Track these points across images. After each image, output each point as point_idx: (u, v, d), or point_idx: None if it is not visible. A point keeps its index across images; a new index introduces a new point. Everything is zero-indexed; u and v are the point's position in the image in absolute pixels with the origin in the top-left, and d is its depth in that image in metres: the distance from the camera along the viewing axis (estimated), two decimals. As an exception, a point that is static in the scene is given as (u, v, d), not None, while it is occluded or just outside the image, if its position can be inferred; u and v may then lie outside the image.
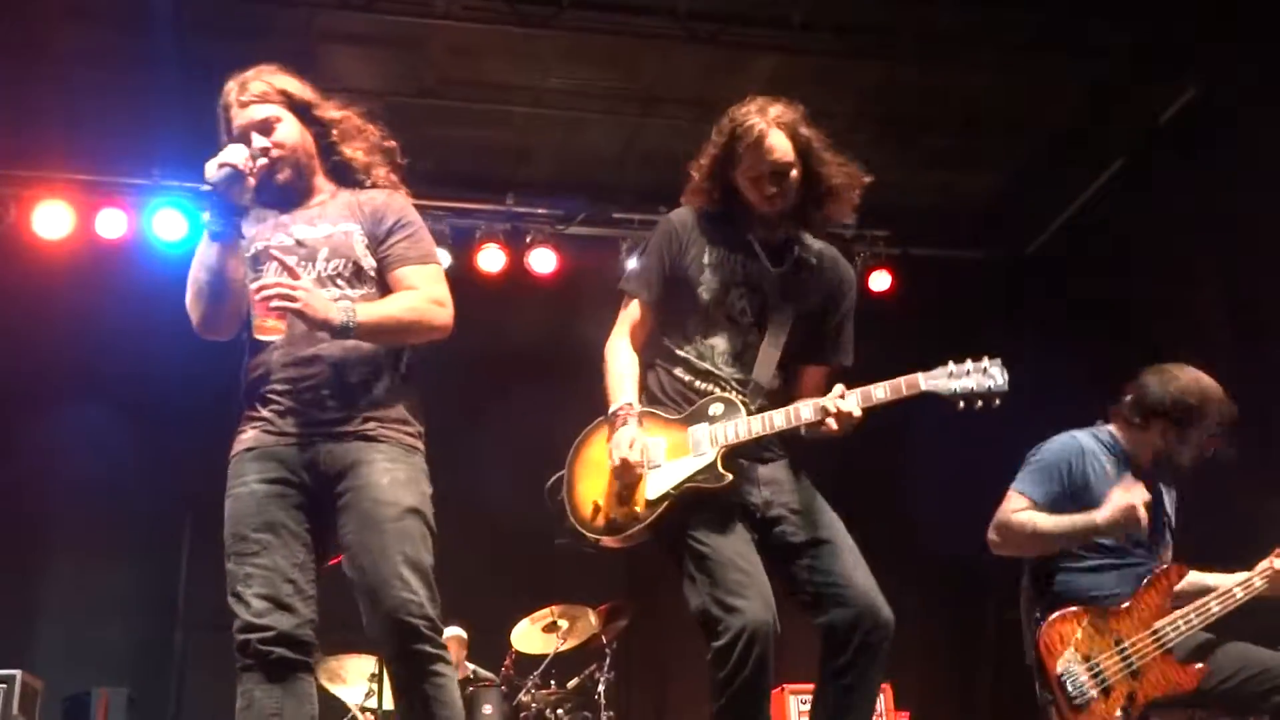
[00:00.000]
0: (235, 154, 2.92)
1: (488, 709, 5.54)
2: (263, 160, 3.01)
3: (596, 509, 3.18)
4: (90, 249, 6.89)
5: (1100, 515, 3.58)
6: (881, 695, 6.18)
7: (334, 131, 3.15)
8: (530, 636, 5.95)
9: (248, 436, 3.03)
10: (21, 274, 6.79)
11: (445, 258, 6.64)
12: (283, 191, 3.10)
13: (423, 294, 3.04)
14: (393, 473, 2.92)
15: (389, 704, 4.99)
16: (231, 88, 3.10)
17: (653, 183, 7.50)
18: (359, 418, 2.96)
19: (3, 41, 6.01)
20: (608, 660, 5.81)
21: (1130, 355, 4.19)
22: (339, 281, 3.02)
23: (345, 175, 3.17)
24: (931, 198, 7.67)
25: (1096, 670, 3.54)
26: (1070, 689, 3.51)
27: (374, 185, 3.16)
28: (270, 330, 2.88)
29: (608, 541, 3.15)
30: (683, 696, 7.32)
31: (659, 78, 6.64)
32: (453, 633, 6.25)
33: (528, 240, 7.33)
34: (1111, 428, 3.87)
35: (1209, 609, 3.63)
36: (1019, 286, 7.96)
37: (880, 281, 7.67)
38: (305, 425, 2.96)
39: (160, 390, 6.86)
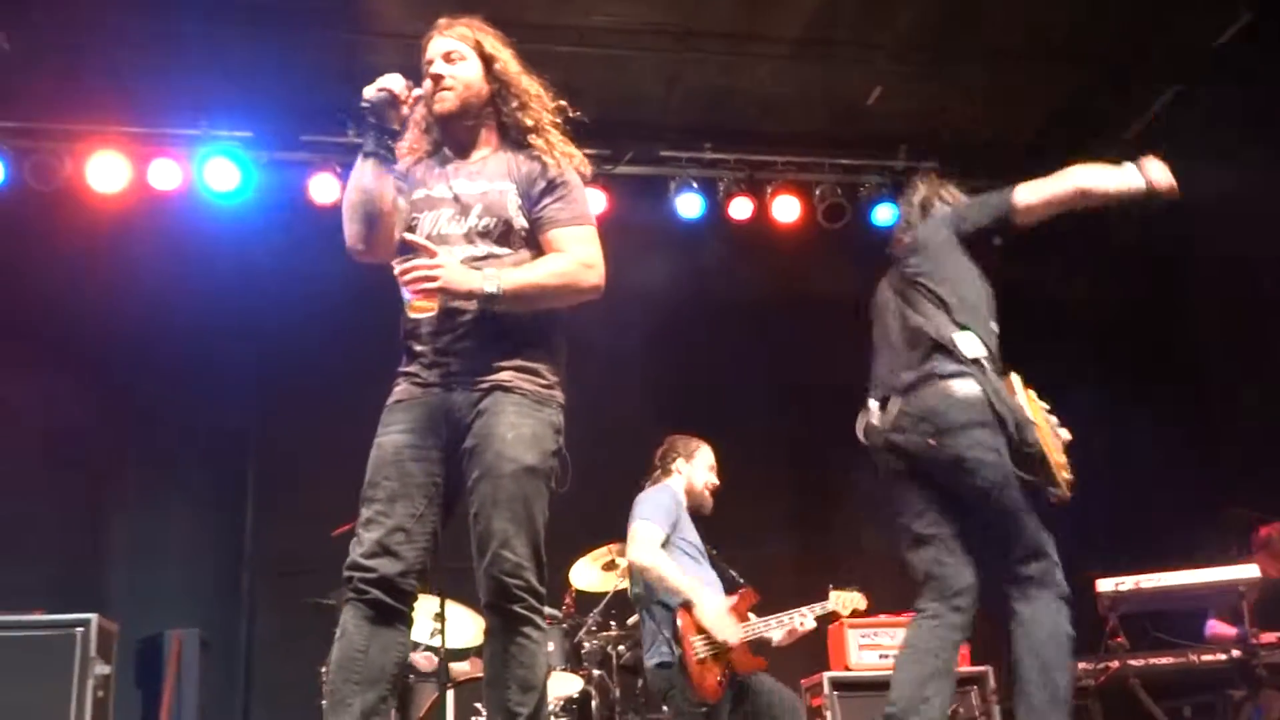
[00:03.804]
0: (394, 80, 3.04)
1: (550, 647, 5.61)
2: (428, 85, 3.10)
3: (1060, 466, 3.54)
4: (145, 200, 6.96)
5: None
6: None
7: (510, 91, 3.20)
8: (589, 574, 6.00)
9: (398, 389, 3.12)
10: (81, 227, 6.88)
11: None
12: (448, 132, 3.19)
13: (571, 256, 3.09)
14: (519, 428, 2.98)
15: (451, 643, 5.10)
16: (441, 21, 3.22)
17: (698, 120, 7.45)
18: (496, 368, 3.02)
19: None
20: (667, 597, 5.86)
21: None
22: (488, 240, 3.08)
23: (512, 135, 3.22)
24: (979, 131, 7.55)
25: (708, 640, 4.98)
26: (696, 648, 4.94)
27: (539, 148, 3.19)
28: (420, 309, 3.00)
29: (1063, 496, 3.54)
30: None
31: (701, 13, 6.55)
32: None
33: (575, 181, 7.31)
34: None
35: (762, 629, 5.22)
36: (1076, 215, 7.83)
37: (933, 213, 7.57)
38: (446, 375, 3.05)
39: (222, 338, 6.96)
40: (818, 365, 7.72)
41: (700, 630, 5.00)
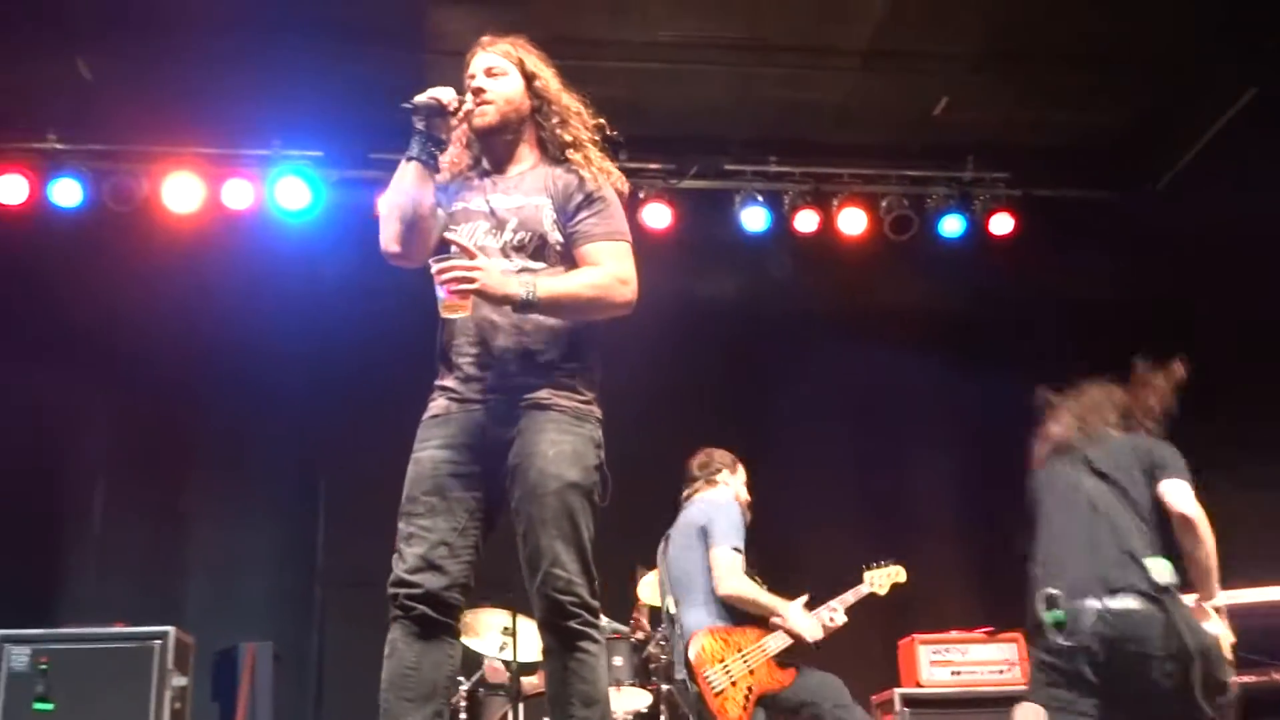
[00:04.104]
0: (444, 92, 3.10)
1: (618, 661, 5.60)
2: (471, 100, 3.15)
3: None
4: (218, 219, 7.08)
5: None
6: (1015, 645, 6.11)
7: (550, 108, 3.24)
8: (657, 589, 5.99)
9: (435, 404, 3.14)
10: (157, 246, 7.02)
11: None
12: (487, 146, 3.23)
13: (607, 270, 3.08)
14: (560, 445, 2.99)
15: (523, 656, 5.11)
16: (484, 39, 3.28)
17: (765, 133, 7.44)
18: (534, 385, 3.04)
19: (128, 18, 6.18)
20: (734, 610, 5.83)
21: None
22: (523, 254, 3.10)
23: (551, 151, 3.25)
24: (1052, 136, 7.45)
25: (727, 668, 4.88)
26: (712, 681, 4.83)
27: (577, 163, 3.21)
28: (454, 309, 2.99)
29: None
30: (809, 648, 7.32)
31: (768, 25, 6.55)
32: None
33: (641, 196, 7.32)
34: None
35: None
36: (1148, 225, 7.70)
37: (1002, 224, 7.50)
38: (484, 392, 3.06)
39: (294, 353, 7.06)
40: (885, 378, 7.67)
41: (717, 659, 4.90)
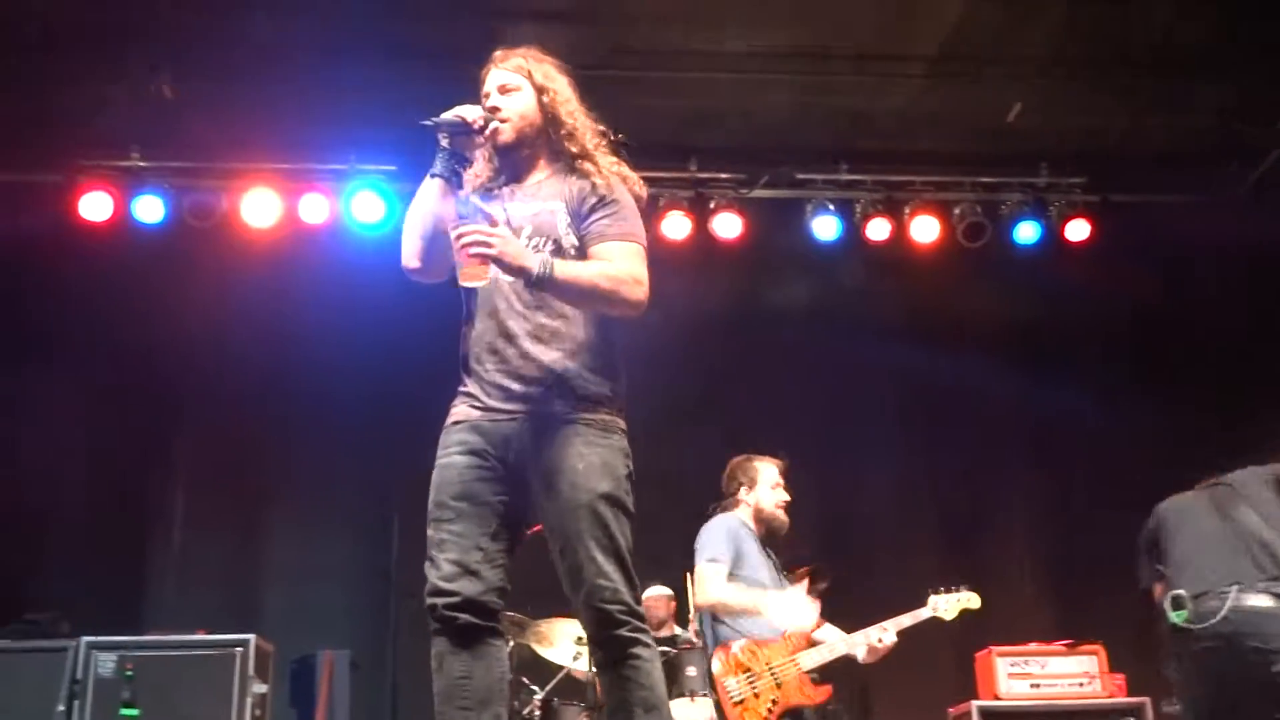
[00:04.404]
0: (470, 110, 3.15)
1: (691, 671, 5.58)
2: (490, 119, 3.17)
3: None
4: (295, 234, 7.20)
5: None
6: (1095, 657, 6.01)
7: (558, 120, 3.24)
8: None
9: (457, 410, 3.15)
10: (236, 260, 7.16)
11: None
12: (507, 159, 3.25)
13: (622, 267, 3.07)
14: (588, 457, 2.98)
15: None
16: (497, 54, 3.31)
17: (836, 141, 7.41)
18: (559, 396, 3.03)
19: (209, 40, 6.32)
20: (806, 622, 5.80)
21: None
22: None
23: (565, 158, 3.26)
24: (1130, 141, 7.34)
25: (751, 679, 4.83)
26: (731, 690, 4.82)
27: (588, 171, 3.21)
28: (471, 277, 2.98)
29: None
30: (885, 659, 7.26)
31: (838, 33, 6.52)
32: (660, 592, 6.34)
33: (711, 206, 7.32)
34: None
35: (835, 650, 5.01)
36: (1228, 230, 7.55)
37: (1078, 230, 7.39)
38: (507, 400, 3.06)
39: (368, 365, 7.15)
40: (959, 387, 7.59)
41: (742, 669, 4.86)
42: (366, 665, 6.75)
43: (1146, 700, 5.87)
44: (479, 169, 3.28)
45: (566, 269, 3.01)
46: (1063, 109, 7.05)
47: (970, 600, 5.24)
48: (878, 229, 7.39)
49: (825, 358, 7.65)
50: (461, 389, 3.17)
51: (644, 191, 3.27)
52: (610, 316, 3.11)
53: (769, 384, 7.53)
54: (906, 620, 5.17)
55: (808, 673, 4.93)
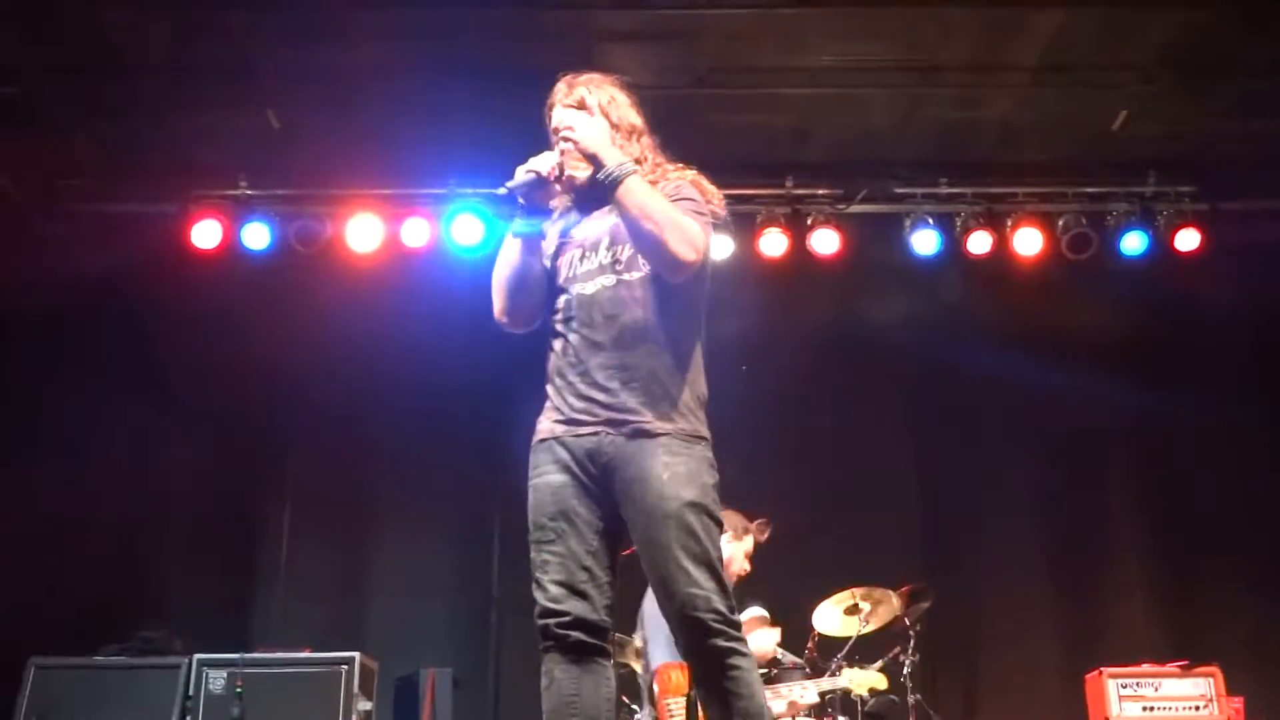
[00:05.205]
0: (543, 161, 3.15)
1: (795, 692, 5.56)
2: (564, 164, 3.17)
3: None
4: (397, 257, 7.31)
5: None
6: (1212, 679, 5.83)
7: (628, 144, 3.25)
8: (831, 618, 5.93)
9: (543, 427, 3.17)
10: (340, 284, 7.30)
11: (728, 245, 6.71)
12: (589, 188, 3.24)
13: (687, 221, 3.07)
14: (672, 467, 2.97)
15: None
16: (559, 89, 3.33)
17: (933, 154, 7.32)
18: (642, 409, 3.03)
19: (313, 71, 6.48)
20: (911, 643, 5.73)
21: None
22: (618, 267, 3.14)
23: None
24: (1238, 148, 7.13)
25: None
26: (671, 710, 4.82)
27: (658, 177, 3.23)
28: (567, 164, 3.09)
29: None
30: (992, 678, 7.13)
31: (935, 45, 6.45)
32: (755, 613, 6.30)
33: (809, 222, 7.27)
34: None
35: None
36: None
37: (1188, 240, 7.19)
38: (591, 414, 3.07)
39: (468, 386, 7.25)
40: (1067, 402, 7.43)
41: (682, 693, 4.80)
42: (469, 682, 6.82)
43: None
44: (558, 201, 3.31)
45: (639, 184, 3.05)
46: (1169, 116, 6.88)
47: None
48: (979, 242, 7.26)
49: (926, 375, 7.55)
50: (547, 403, 3.19)
51: (722, 207, 3.26)
52: (662, 264, 3.06)
53: (872, 400, 7.45)
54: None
55: None
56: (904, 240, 7.30)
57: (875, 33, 6.38)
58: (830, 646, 5.78)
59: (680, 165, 3.31)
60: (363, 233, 7.22)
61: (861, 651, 5.78)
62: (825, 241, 7.20)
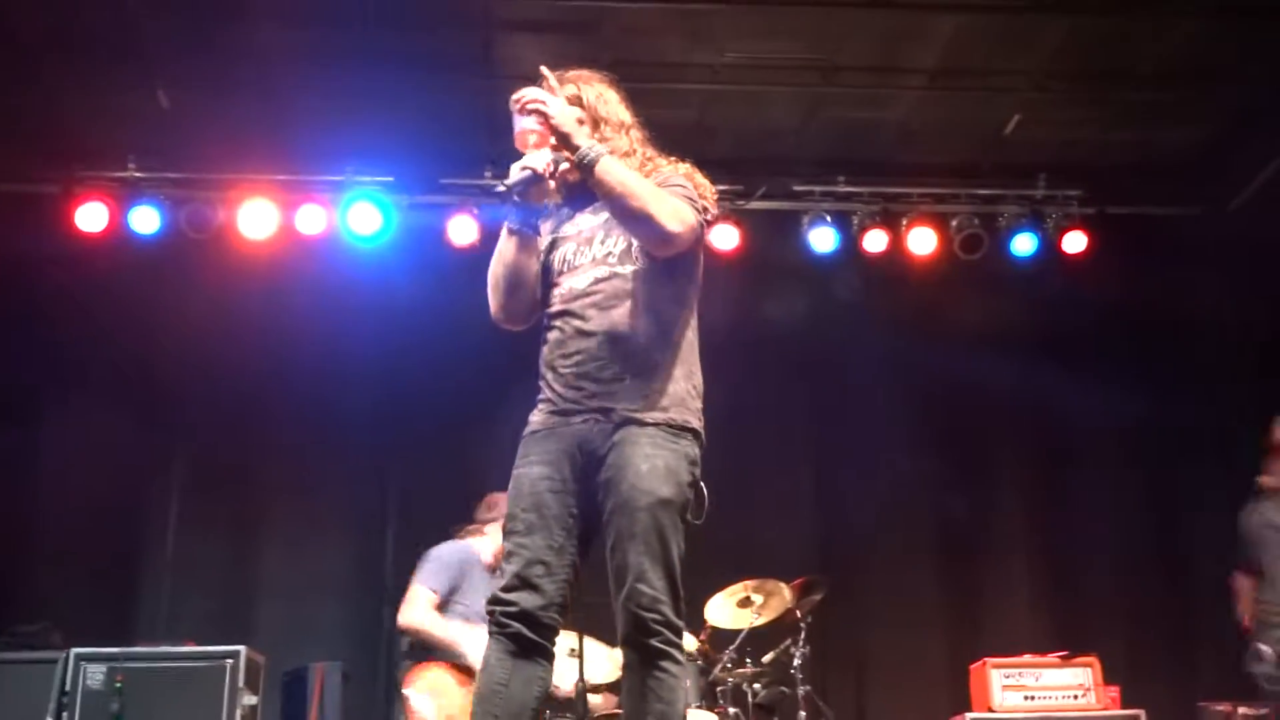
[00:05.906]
0: (537, 159, 3.12)
1: (685, 683, 5.58)
2: (559, 160, 3.15)
3: None
4: (292, 245, 7.18)
5: None
6: (1090, 669, 6.00)
7: (617, 140, 3.27)
8: (724, 611, 5.96)
9: (535, 419, 3.18)
10: (232, 271, 7.14)
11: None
12: (576, 183, 3.24)
13: (668, 196, 3.10)
14: (653, 459, 3.00)
15: (591, 676, 5.09)
16: (548, 83, 3.24)
17: (833, 153, 7.41)
18: (632, 398, 3.05)
19: (205, 50, 6.32)
20: (802, 635, 5.79)
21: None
22: (610, 259, 3.16)
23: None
24: (1126, 154, 7.35)
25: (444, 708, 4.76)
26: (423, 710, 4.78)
27: (651, 169, 3.26)
28: (531, 142, 3.06)
29: None
30: (879, 671, 7.25)
31: (837, 45, 6.53)
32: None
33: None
34: None
35: None
36: (1225, 242, 7.56)
37: (1075, 243, 7.39)
38: (581, 404, 3.09)
39: (365, 376, 7.16)
40: (957, 399, 7.59)
41: (437, 695, 4.90)
42: (358, 677, 6.73)
43: (1141, 712, 5.88)
44: (547, 198, 3.29)
45: (615, 162, 3.06)
46: (1060, 122, 7.06)
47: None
48: (875, 240, 7.38)
49: (821, 371, 7.65)
50: (540, 396, 3.20)
51: (714, 203, 3.29)
52: (650, 237, 3.07)
53: (763, 396, 7.51)
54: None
55: None
56: (802, 237, 7.39)
57: (778, 31, 6.44)
58: (722, 639, 5.81)
59: (673, 159, 3.33)
60: (256, 219, 7.08)
61: (753, 644, 5.82)
62: (724, 237, 7.25)
